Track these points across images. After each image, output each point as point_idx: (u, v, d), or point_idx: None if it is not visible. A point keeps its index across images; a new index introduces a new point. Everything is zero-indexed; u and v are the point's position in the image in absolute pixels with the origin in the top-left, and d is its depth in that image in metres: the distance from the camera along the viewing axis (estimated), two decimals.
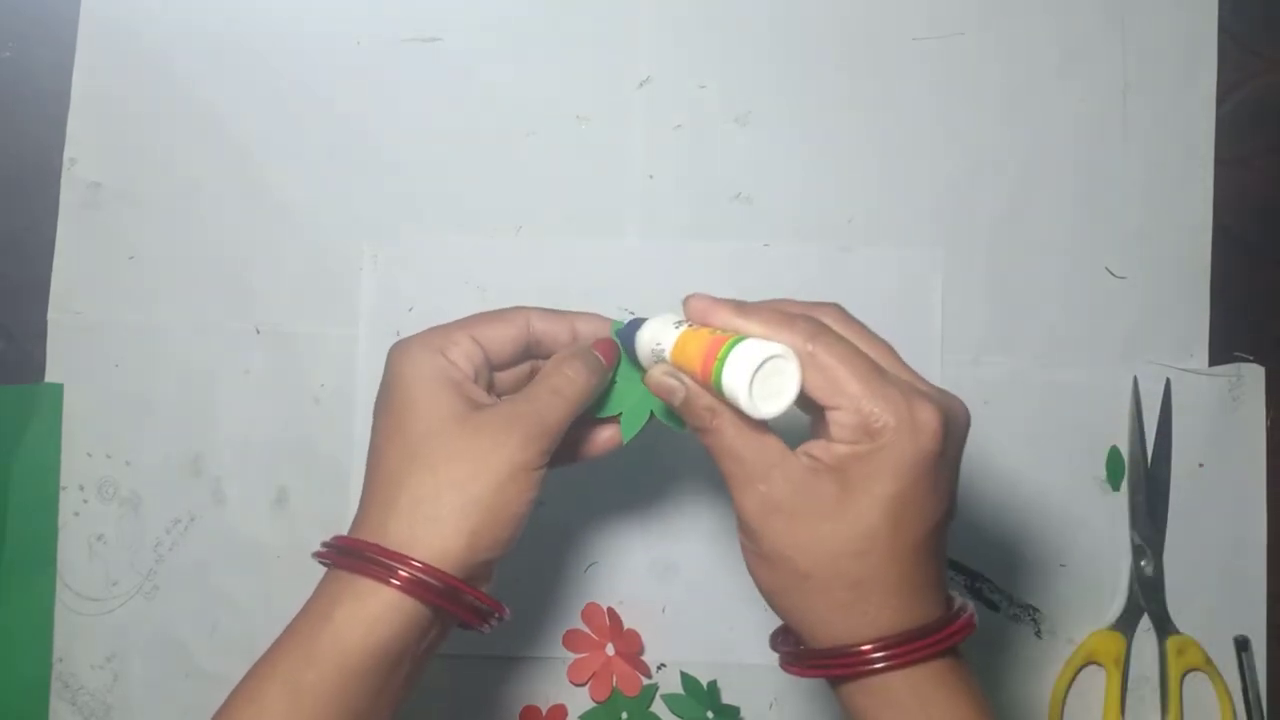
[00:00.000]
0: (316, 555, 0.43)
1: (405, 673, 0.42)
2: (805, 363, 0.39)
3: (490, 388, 0.46)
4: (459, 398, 0.42)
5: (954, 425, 0.40)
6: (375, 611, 0.40)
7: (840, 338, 0.40)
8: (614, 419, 0.47)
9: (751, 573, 0.42)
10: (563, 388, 0.44)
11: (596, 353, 0.46)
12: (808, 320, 0.40)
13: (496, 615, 0.43)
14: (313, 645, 0.40)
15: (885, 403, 0.38)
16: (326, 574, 0.42)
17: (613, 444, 0.48)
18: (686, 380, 0.41)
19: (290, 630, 0.41)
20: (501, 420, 0.42)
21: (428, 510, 0.41)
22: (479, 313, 0.46)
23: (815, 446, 0.40)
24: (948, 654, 0.40)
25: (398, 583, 0.40)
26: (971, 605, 0.42)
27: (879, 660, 0.39)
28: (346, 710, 0.40)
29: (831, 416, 0.39)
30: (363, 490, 0.43)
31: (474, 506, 0.41)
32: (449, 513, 0.40)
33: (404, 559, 0.40)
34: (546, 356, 0.46)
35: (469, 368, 0.44)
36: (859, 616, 0.39)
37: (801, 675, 0.42)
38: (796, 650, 0.42)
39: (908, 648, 0.39)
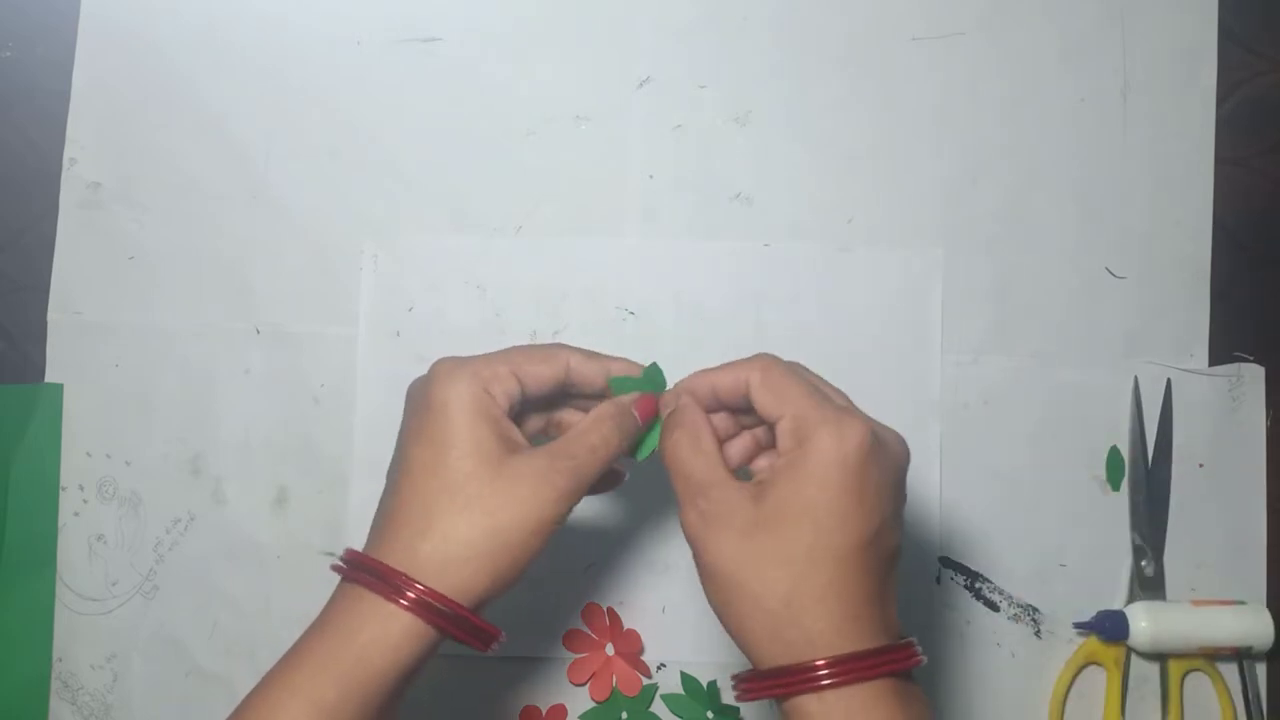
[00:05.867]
0: (342, 572, 0.43)
1: (408, 688, 0.44)
2: (758, 385, 0.44)
3: (520, 424, 0.47)
4: (499, 438, 0.43)
5: (884, 447, 0.42)
6: (400, 638, 0.41)
7: (789, 366, 0.45)
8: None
9: (704, 590, 0.43)
10: (599, 447, 0.45)
11: (635, 412, 0.47)
12: (761, 357, 0.45)
13: (498, 640, 0.44)
14: (337, 666, 0.41)
15: (817, 411, 0.42)
16: (349, 589, 0.43)
17: (612, 487, 0.50)
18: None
19: (310, 646, 0.42)
20: (541, 472, 0.43)
21: (460, 551, 0.42)
22: (521, 347, 0.47)
23: (760, 460, 0.45)
24: (893, 676, 0.41)
25: (428, 615, 0.41)
26: (919, 650, 0.42)
27: (810, 679, 0.40)
28: None
29: (778, 429, 0.43)
30: (387, 507, 0.44)
31: (503, 552, 0.42)
32: (478, 555, 0.42)
33: (440, 596, 0.41)
34: (577, 396, 0.48)
35: (507, 404, 0.44)
36: (794, 632, 0.40)
37: (746, 698, 0.42)
38: (743, 674, 0.43)
39: (840, 668, 0.40)
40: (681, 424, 0.45)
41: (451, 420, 0.43)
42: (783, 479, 0.41)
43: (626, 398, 0.47)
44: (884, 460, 0.42)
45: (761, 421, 0.45)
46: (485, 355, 0.46)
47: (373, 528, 0.45)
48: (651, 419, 0.47)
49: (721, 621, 0.43)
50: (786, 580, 0.40)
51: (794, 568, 0.40)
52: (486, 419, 0.43)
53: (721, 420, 0.47)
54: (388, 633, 0.41)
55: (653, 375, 0.48)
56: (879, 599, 0.41)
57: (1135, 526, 0.60)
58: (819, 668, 0.40)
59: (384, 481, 0.45)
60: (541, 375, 0.46)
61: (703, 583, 0.43)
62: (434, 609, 0.41)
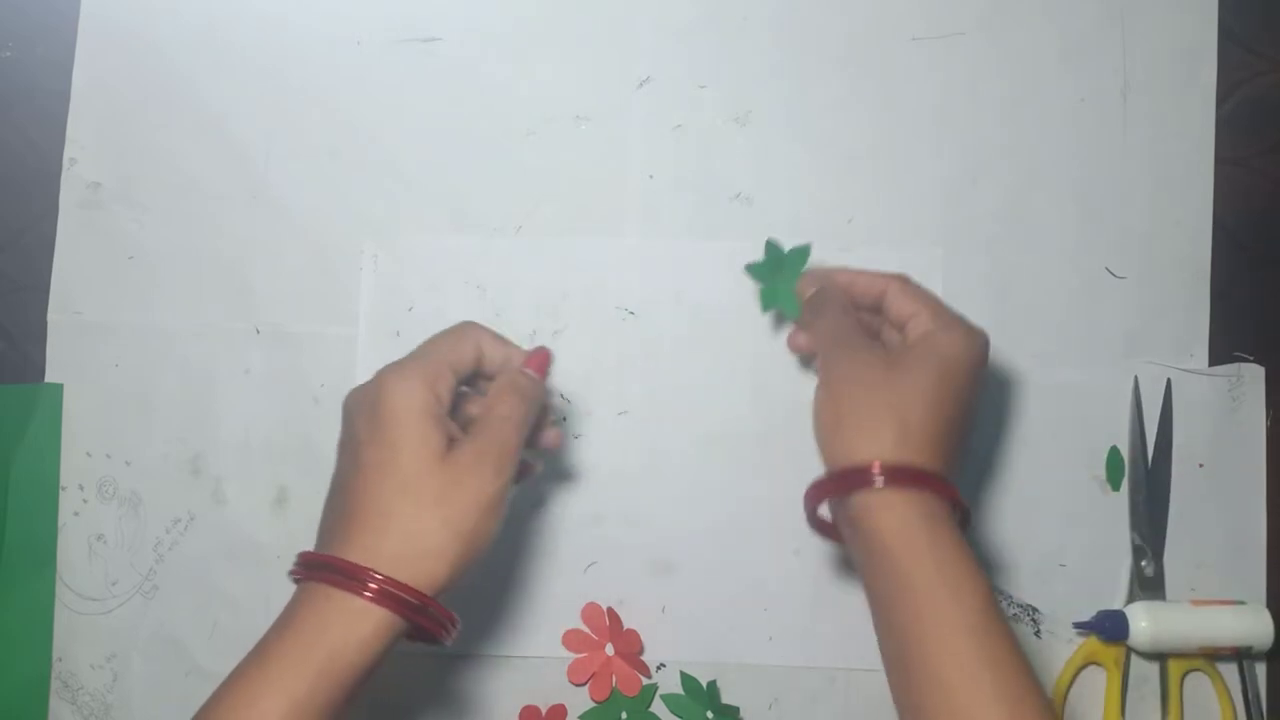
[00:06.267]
0: (304, 575, 0.45)
1: (371, 678, 0.45)
2: (897, 290, 0.53)
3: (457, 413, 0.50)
4: (442, 434, 0.46)
5: (987, 359, 0.53)
6: (369, 631, 0.43)
7: (921, 285, 0.54)
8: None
9: (815, 414, 0.51)
10: (511, 413, 0.48)
11: (529, 371, 0.51)
12: (899, 274, 0.54)
13: (456, 627, 0.47)
14: (309, 660, 0.43)
15: (951, 316, 0.52)
16: (313, 589, 0.44)
17: (552, 446, 0.53)
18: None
19: (281, 643, 0.44)
20: (474, 456, 0.46)
21: (420, 544, 0.44)
22: (438, 337, 0.50)
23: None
24: (948, 513, 0.47)
25: (395, 606, 0.44)
26: (965, 502, 0.49)
27: (878, 477, 0.47)
28: (333, 716, 0.43)
29: (910, 325, 0.52)
30: (343, 509, 0.46)
31: (459, 539, 0.45)
32: (438, 545, 0.45)
33: (405, 587, 0.44)
34: (487, 377, 0.51)
35: (448, 400, 0.48)
36: (872, 448, 0.47)
37: (817, 499, 0.50)
38: (816, 484, 0.50)
39: (891, 473, 0.47)
40: (829, 296, 0.54)
41: (402, 423, 0.46)
42: (917, 346, 0.50)
43: (517, 364, 0.51)
44: (985, 368, 0.52)
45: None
46: (418, 357, 0.48)
47: (324, 532, 0.47)
48: (547, 367, 0.52)
49: (822, 431, 0.50)
50: (894, 409, 0.48)
51: (903, 402, 0.48)
52: (432, 419, 0.46)
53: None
54: (358, 626, 0.43)
55: (773, 251, 0.58)
56: (951, 457, 0.49)
57: (1135, 526, 0.60)
58: (881, 469, 0.47)
59: None
60: (465, 358, 0.49)
61: (821, 398, 0.51)
62: (401, 600, 0.44)
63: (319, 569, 0.45)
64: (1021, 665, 0.45)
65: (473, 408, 0.51)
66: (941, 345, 0.50)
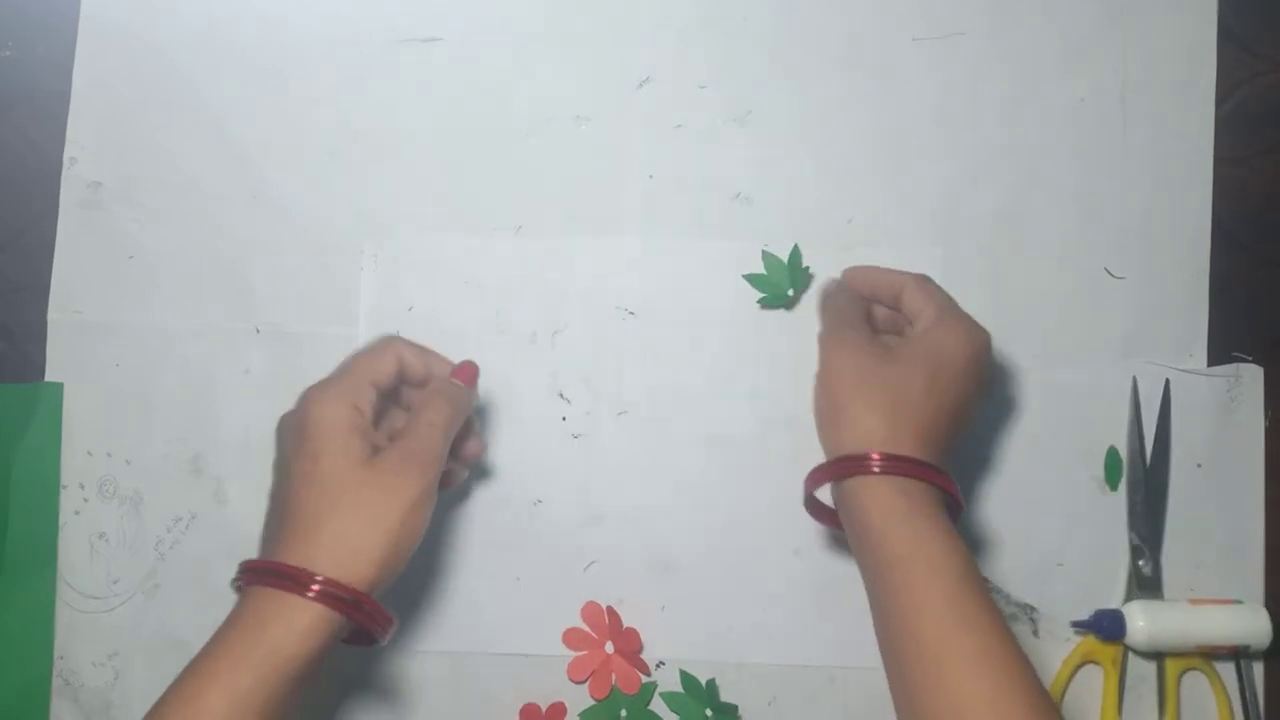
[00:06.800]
0: (248, 581, 0.48)
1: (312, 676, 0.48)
2: (913, 287, 0.55)
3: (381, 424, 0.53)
4: (366, 443, 0.49)
5: (989, 355, 0.54)
6: (308, 627, 0.46)
7: (938, 285, 0.56)
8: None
9: (814, 401, 0.54)
10: (436, 419, 0.51)
11: (456, 380, 0.54)
12: (918, 274, 0.57)
13: (392, 625, 0.50)
14: (251, 656, 0.46)
15: (957, 312, 0.54)
16: (256, 592, 0.47)
17: (474, 456, 0.56)
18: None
19: (226, 641, 0.47)
20: (399, 460, 0.49)
21: (350, 544, 0.47)
22: (360, 352, 0.53)
23: (886, 338, 0.56)
24: (932, 495, 0.50)
25: (332, 603, 0.46)
26: (960, 495, 0.51)
27: (865, 465, 0.50)
28: (275, 712, 0.46)
29: (919, 319, 0.54)
30: (278, 521, 0.49)
31: (386, 538, 0.48)
32: (366, 546, 0.48)
33: (341, 585, 0.47)
34: (410, 386, 0.54)
35: (370, 413, 0.51)
36: (870, 436, 0.50)
37: (813, 484, 0.53)
38: (814, 470, 0.53)
39: (889, 462, 0.49)
40: (840, 287, 0.58)
41: (325, 436, 0.49)
42: (915, 341, 0.53)
43: (444, 373, 0.54)
44: (987, 364, 0.54)
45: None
46: (338, 373, 0.52)
47: (265, 543, 0.50)
48: (475, 379, 0.55)
49: (819, 420, 0.53)
50: (886, 400, 0.51)
51: (895, 395, 0.51)
52: (355, 430, 0.49)
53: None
54: (297, 623, 0.46)
55: (770, 261, 0.61)
56: (943, 447, 0.51)
57: (1133, 526, 0.60)
58: (873, 458, 0.50)
59: None
60: (385, 371, 0.52)
61: (818, 388, 0.54)
62: (337, 597, 0.46)
63: (260, 574, 0.48)
64: (1000, 629, 0.46)
65: (399, 420, 0.54)
66: (938, 340, 0.52)
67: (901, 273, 0.56)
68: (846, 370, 0.52)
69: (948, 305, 0.54)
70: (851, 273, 0.59)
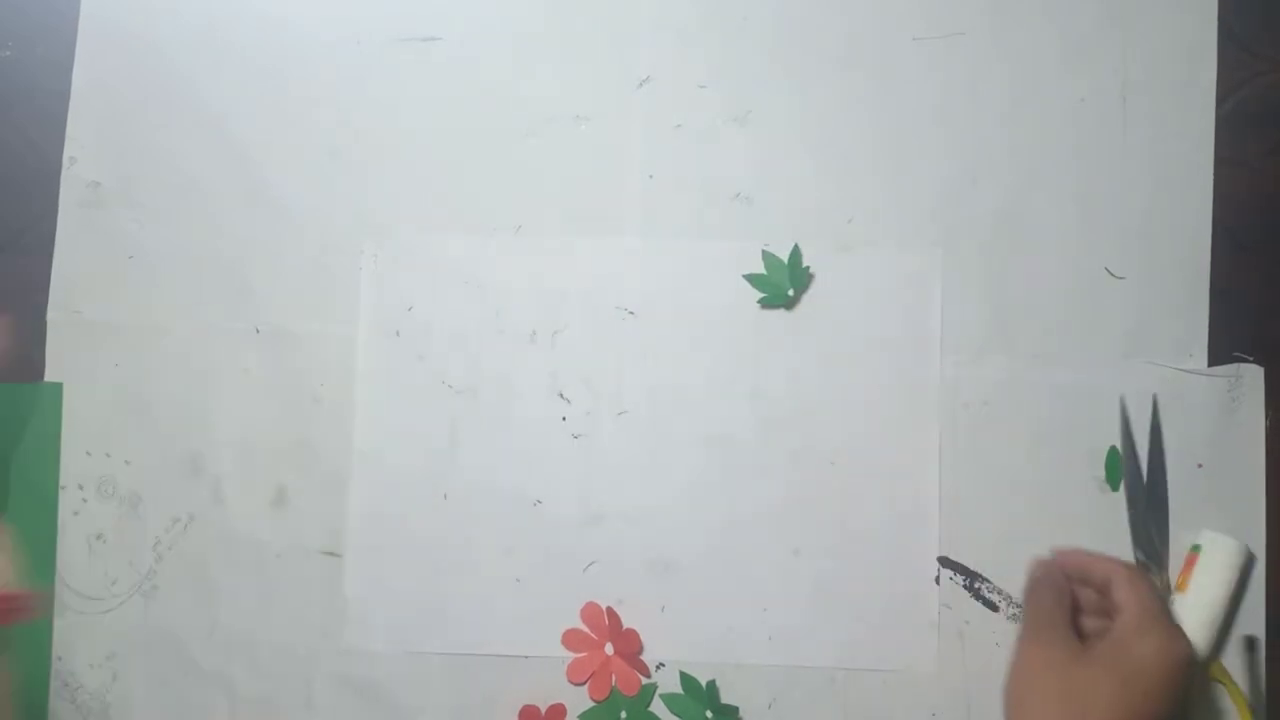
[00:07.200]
0: None
1: None
2: (1124, 579, 0.54)
3: None
4: None
5: (1191, 668, 0.52)
6: None
7: (1148, 576, 0.57)
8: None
9: (1004, 692, 0.53)
10: None
11: None
12: (1129, 564, 0.56)
13: None
14: None
15: (1161, 618, 0.52)
16: None
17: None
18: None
19: None
20: None
21: None
22: None
23: (1087, 621, 0.55)
24: None
25: None
26: None
27: None
28: None
29: (1123, 614, 0.53)
30: None
31: None
32: None
33: None
34: None
35: None
36: None
37: None
38: None
39: None
40: (1050, 575, 0.56)
41: None
42: (1111, 643, 0.52)
43: None
44: (1185, 679, 0.52)
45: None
46: None
47: None
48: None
49: (1004, 710, 0.53)
50: (1071, 709, 0.50)
51: (1082, 700, 0.50)
52: None
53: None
54: None
55: (770, 261, 0.60)
56: None
57: (1134, 526, 0.60)
58: None
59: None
60: None
61: (1007, 680, 0.53)
62: None
63: None
64: None
65: None
66: (1131, 648, 0.51)
67: (1113, 561, 0.55)
68: (1039, 664, 0.52)
69: (1152, 607, 0.53)
70: (1063, 555, 0.57)
